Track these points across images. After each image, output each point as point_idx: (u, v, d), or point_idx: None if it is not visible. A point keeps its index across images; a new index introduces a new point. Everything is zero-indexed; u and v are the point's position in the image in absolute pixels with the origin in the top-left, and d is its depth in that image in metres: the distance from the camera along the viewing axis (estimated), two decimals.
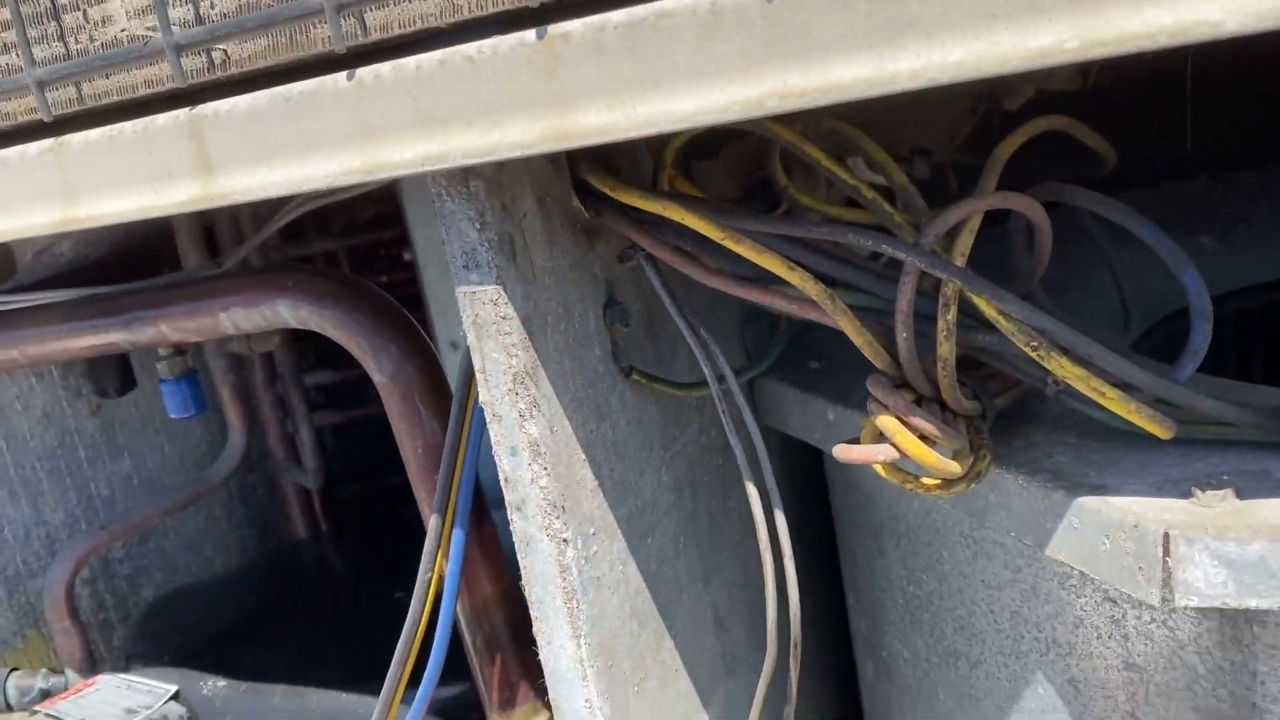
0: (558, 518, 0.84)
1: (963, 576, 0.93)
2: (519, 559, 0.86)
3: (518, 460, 0.83)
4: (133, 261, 1.55)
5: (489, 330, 0.80)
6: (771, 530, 0.85)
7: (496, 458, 0.84)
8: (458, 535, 0.99)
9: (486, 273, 0.79)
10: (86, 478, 1.67)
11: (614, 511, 0.91)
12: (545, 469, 0.83)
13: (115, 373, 1.62)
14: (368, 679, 1.24)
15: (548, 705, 1.14)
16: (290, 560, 1.75)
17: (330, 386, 1.94)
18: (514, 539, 0.86)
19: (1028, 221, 0.84)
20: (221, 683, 1.30)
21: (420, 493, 1.05)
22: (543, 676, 1.15)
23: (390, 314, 1.04)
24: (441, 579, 1.01)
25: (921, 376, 0.80)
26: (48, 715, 1.34)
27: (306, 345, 1.92)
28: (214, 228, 1.61)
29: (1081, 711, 0.84)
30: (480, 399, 0.83)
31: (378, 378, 1.02)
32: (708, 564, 1.07)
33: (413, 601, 0.99)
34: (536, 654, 1.15)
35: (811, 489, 1.34)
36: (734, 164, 1.03)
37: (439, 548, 0.99)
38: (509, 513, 0.85)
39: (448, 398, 1.05)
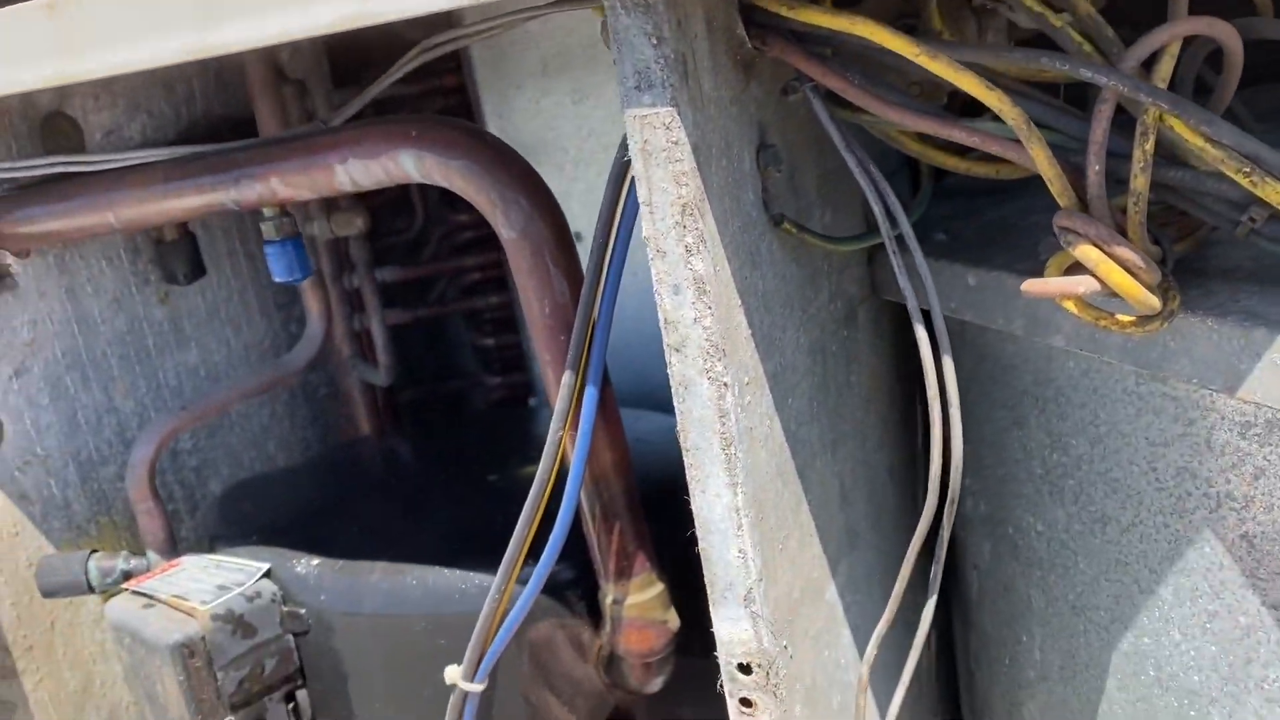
0: (719, 360, 0.81)
1: (1121, 436, 0.90)
2: (675, 404, 0.83)
3: (680, 299, 0.80)
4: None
5: (659, 157, 0.77)
6: (939, 375, 0.82)
7: (658, 296, 0.81)
8: (590, 393, 0.96)
9: (660, 94, 0.75)
10: (155, 366, 1.63)
11: (764, 364, 0.88)
12: (709, 308, 0.79)
13: (185, 259, 1.58)
14: (464, 557, 1.22)
15: (661, 578, 1.12)
16: (362, 454, 1.72)
17: (390, 287, 1.90)
18: (672, 384, 0.83)
19: (1215, 50, 0.80)
20: (315, 561, 1.27)
21: (545, 355, 1.02)
22: (654, 548, 1.13)
23: (519, 167, 1.00)
24: (562, 451, 0.98)
25: (1108, 216, 0.77)
26: (136, 593, 1.32)
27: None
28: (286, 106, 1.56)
29: (1255, 566, 0.82)
30: (644, 234, 0.79)
31: (507, 233, 0.98)
32: (835, 434, 1.05)
33: (542, 459, 0.97)
34: (650, 526, 1.13)
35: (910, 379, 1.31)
36: (878, 12, 0.99)
37: (571, 405, 0.96)
38: (667, 356, 0.82)
39: (575, 257, 1.02)
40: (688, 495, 1.23)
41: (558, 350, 1.01)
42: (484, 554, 1.21)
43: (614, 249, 0.93)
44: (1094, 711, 1.01)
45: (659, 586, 1.11)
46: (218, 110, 1.68)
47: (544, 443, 0.96)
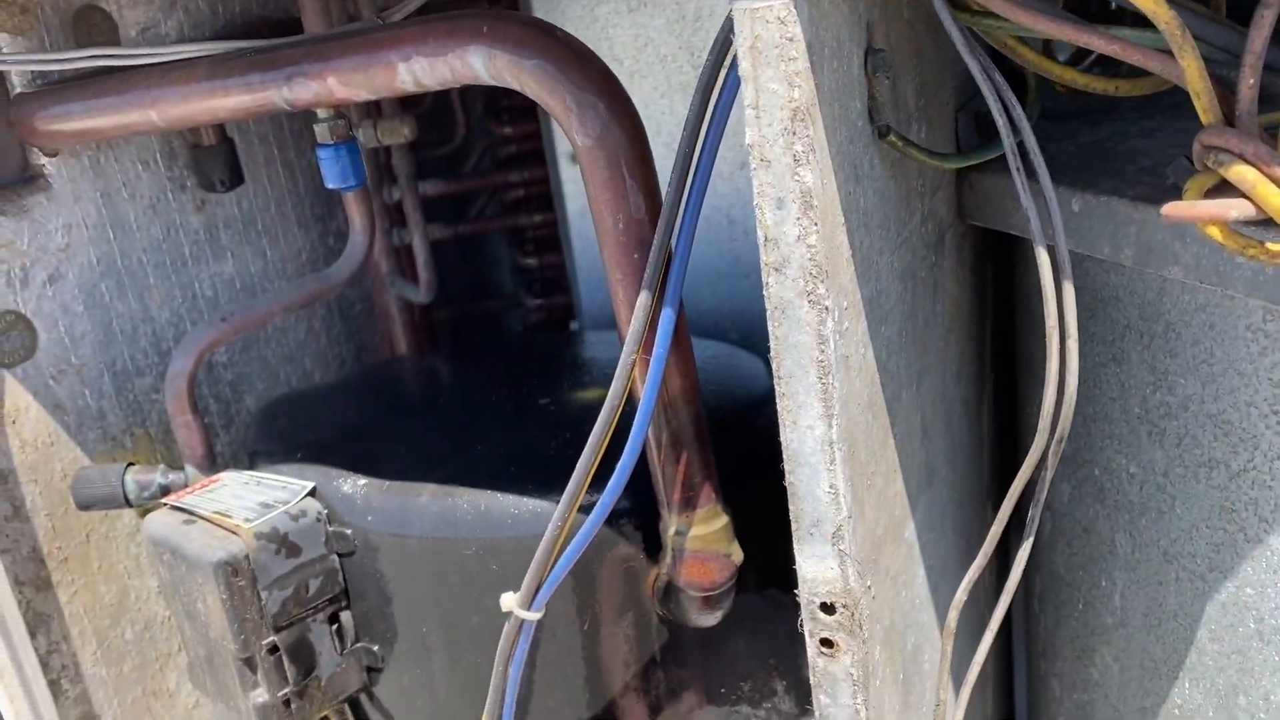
0: (821, 282, 0.75)
1: (1240, 376, 0.84)
2: (770, 329, 0.78)
3: (784, 214, 0.74)
4: None
5: (769, 56, 0.70)
6: (1059, 304, 0.76)
7: (758, 211, 0.75)
8: (666, 315, 0.90)
9: None
10: (191, 276, 1.58)
11: (861, 289, 0.83)
12: (815, 225, 0.73)
13: (223, 165, 1.52)
14: (517, 481, 1.18)
15: (726, 510, 1.08)
16: (403, 372, 1.67)
17: (428, 201, 1.84)
18: (768, 307, 0.77)
19: None
20: (362, 481, 1.23)
21: (616, 274, 0.96)
22: (718, 479, 1.09)
23: (597, 69, 0.93)
24: (630, 375, 0.92)
25: (1259, 135, 0.70)
26: (176, 508, 1.28)
27: None
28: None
29: None
30: (748, 140, 0.73)
31: (582, 140, 0.92)
32: (920, 366, 0.99)
33: (613, 384, 0.91)
34: (715, 456, 1.08)
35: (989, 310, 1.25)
36: None
37: (646, 327, 0.90)
38: (764, 276, 0.76)
39: (653, 169, 0.96)
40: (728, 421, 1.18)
41: (630, 269, 0.95)
42: (537, 479, 1.17)
43: (699, 160, 0.86)
44: (1180, 662, 0.97)
45: (724, 519, 1.06)
46: (255, 10, 1.61)
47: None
